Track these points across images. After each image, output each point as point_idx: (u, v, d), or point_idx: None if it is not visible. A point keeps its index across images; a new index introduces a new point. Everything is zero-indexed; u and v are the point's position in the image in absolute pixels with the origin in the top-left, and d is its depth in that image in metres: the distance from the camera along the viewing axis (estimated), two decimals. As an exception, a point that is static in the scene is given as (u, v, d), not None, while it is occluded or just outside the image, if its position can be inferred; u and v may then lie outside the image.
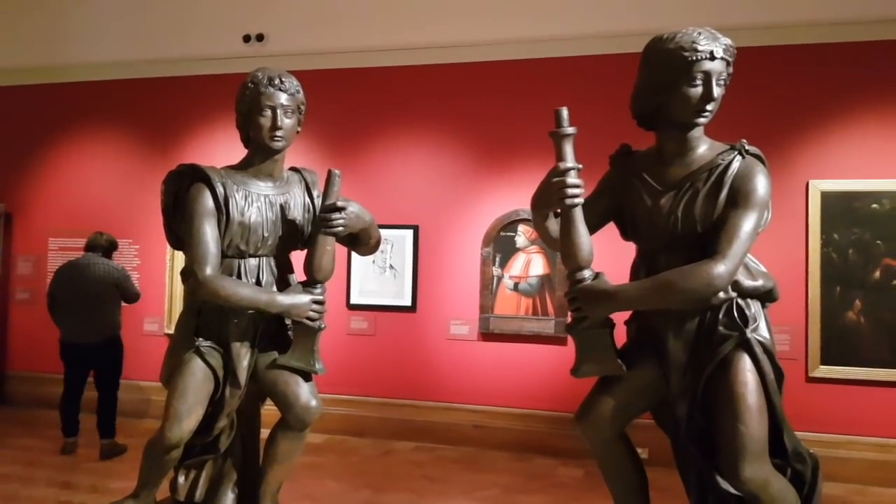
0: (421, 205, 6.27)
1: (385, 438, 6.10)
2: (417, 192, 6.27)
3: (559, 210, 1.92)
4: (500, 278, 6.04)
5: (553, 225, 1.98)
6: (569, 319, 1.98)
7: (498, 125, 6.15)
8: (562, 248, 1.93)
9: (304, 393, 2.57)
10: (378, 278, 6.28)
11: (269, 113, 2.57)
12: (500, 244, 6.05)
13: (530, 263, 6.00)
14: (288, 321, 2.66)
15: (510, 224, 6.02)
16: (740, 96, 5.63)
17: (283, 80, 2.60)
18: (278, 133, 2.59)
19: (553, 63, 6.06)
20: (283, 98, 2.58)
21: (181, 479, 2.68)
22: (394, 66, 6.42)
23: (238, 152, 2.94)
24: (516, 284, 6.00)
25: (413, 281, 6.25)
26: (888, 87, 5.49)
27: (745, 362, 1.79)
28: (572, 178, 1.88)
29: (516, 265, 6.02)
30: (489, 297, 6.03)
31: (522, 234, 6.00)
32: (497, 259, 6.05)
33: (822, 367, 5.49)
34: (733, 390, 1.75)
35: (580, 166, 1.90)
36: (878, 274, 5.46)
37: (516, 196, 5.93)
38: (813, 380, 5.50)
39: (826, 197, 5.58)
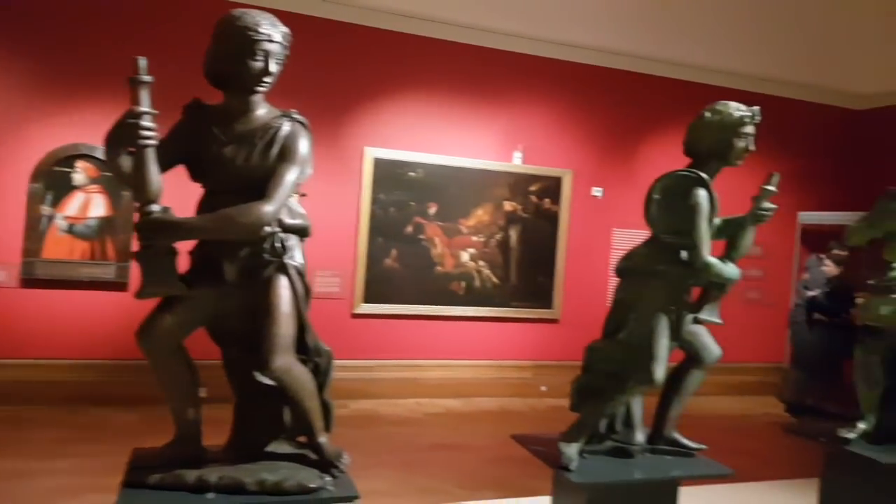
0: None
1: None
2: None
3: (132, 149, 2.08)
4: (50, 218, 5.46)
5: (126, 162, 2.13)
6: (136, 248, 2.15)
7: (62, 52, 5.50)
8: (133, 184, 2.11)
9: None
10: None
11: None
12: (53, 180, 5.45)
13: (90, 203, 5.57)
14: None
15: (67, 159, 5.47)
16: (315, 72, 6.22)
17: None
18: None
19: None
20: None
21: None
22: None
23: None
24: (71, 226, 5.51)
25: (-67, 217, 5.22)
26: (431, 78, 6.68)
27: (283, 281, 2.23)
28: (146, 122, 2.04)
29: (73, 205, 5.52)
30: (36, 239, 5.41)
31: (82, 172, 5.52)
32: (48, 197, 5.46)
33: (364, 304, 6.49)
34: (271, 302, 2.18)
35: (155, 112, 2.07)
36: (410, 229, 6.68)
37: (76, 129, 5.43)
38: (357, 315, 6.47)
39: (378, 163, 6.54)
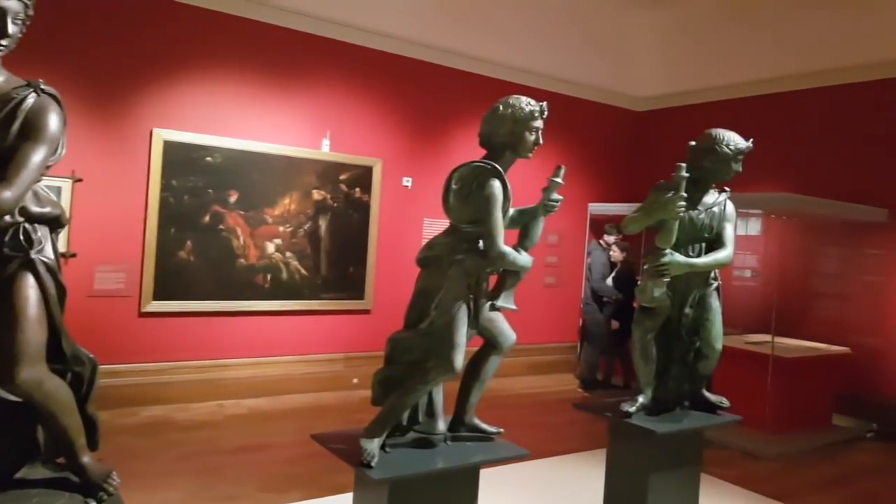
0: None
1: None
2: None
3: None
4: None
5: None
6: None
7: None
8: None
9: None
10: None
11: None
12: None
13: None
14: None
15: None
16: (97, 43, 5.53)
17: None
18: None
19: None
20: None
21: None
22: None
23: None
24: None
25: None
26: (231, 57, 6.23)
27: (29, 280, 1.90)
28: None
29: None
30: None
31: None
32: None
33: (154, 302, 5.92)
34: (14, 304, 1.85)
35: None
36: (208, 218, 6.21)
37: None
38: (146, 314, 5.89)
39: (168, 146, 5.97)
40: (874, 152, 6.67)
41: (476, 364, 2.75)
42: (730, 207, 3.43)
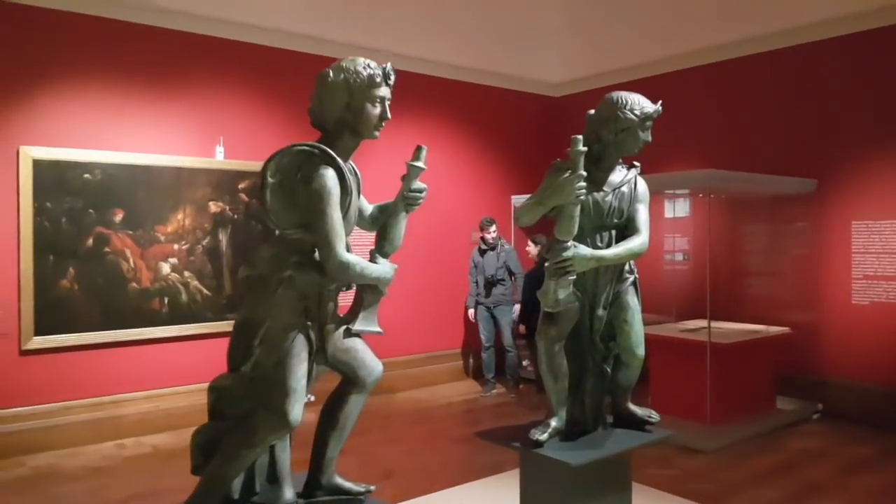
0: None
1: None
2: None
3: None
4: None
5: None
6: None
7: None
8: None
9: None
10: None
11: None
12: None
13: None
14: None
15: None
16: None
17: None
18: None
19: None
20: None
21: None
22: None
23: None
24: None
25: None
26: (105, 63, 5.58)
27: None
28: None
29: None
30: None
31: None
32: None
33: (35, 338, 5.29)
34: None
35: None
36: (90, 242, 5.56)
37: None
38: (27, 352, 5.27)
39: (38, 165, 5.33)
40: (797, 122, 6.39)
41: (332, 408, 2.18)
42: (641, 186, 2.82)
